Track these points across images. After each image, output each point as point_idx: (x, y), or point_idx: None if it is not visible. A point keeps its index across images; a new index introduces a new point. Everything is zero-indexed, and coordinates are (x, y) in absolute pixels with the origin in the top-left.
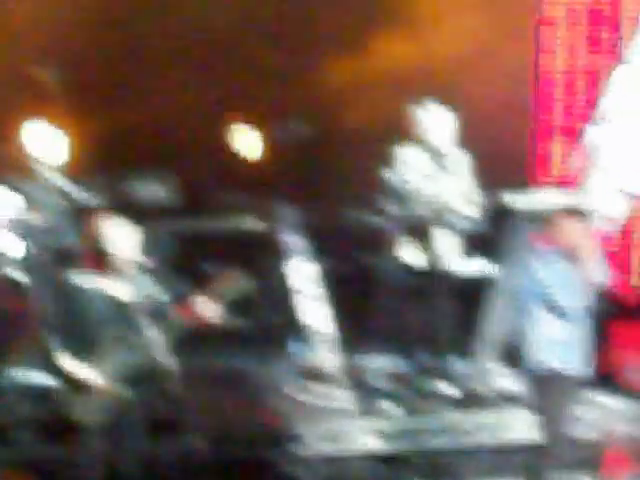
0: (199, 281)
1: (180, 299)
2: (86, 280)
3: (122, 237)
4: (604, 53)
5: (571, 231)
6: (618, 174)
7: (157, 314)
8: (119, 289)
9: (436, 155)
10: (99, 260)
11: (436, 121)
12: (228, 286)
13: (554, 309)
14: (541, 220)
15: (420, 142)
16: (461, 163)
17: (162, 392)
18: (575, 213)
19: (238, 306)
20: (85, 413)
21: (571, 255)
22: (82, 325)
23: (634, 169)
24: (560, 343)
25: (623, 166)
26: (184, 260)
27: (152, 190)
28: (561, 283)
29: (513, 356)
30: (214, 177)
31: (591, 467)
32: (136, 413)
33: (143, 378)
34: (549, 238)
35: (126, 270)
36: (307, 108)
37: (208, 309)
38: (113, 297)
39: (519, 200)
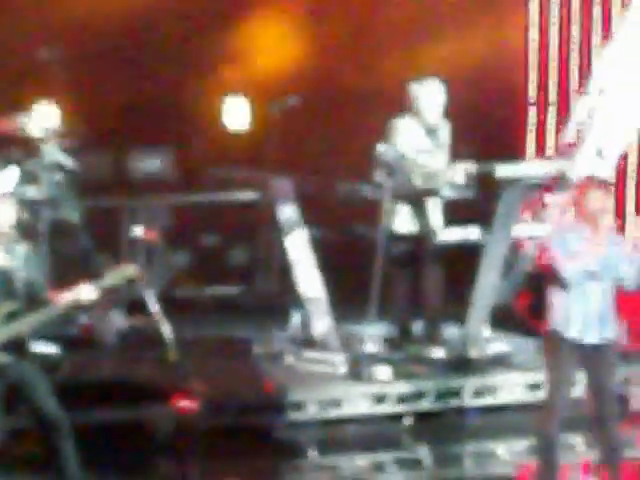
0: (197, 253)
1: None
2: None
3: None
4: (595, 28)
5: (594, 199)
6: (604, 143)
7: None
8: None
9: (428, 127)
10: None
11: (429, 94)
12: (115, 277)
13: (578, 279)
14: (530, 189)
15: (415, 114)
16: (447, 135)
17: (160, 359)
18: (599, 182)
19: (237, 276)
20: None
21: (594, 224)
22: None
23: (619, 138)
24: (584, 313)
25: (609, 135)
26: (182, 232)
27: (150, 164)
28: (583, 252)
29: (502, 320)
30: (210, 150)
31: (581, 428)
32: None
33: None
34: (576, 207)
35: (5, 241)
36: (301, 80)
37: (85, 293)
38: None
39: (509, 169)
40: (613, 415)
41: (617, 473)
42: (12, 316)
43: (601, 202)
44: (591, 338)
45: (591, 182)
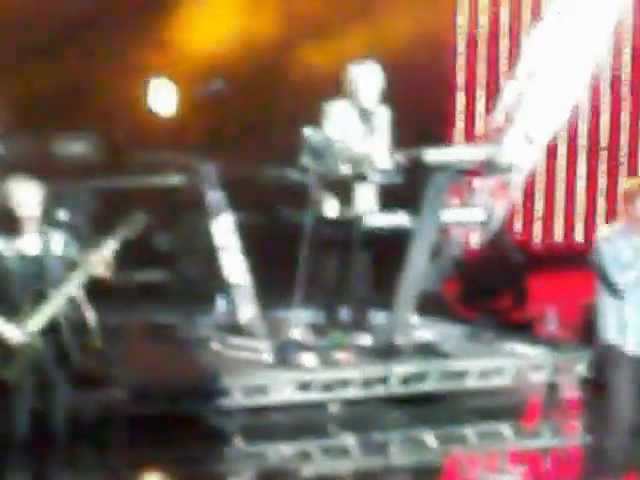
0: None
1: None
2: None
3: (27, 195)
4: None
5: None
6: (532, 127)
7: (68, 267)
8: (30, 246)
9: (363, 111)
10: (8, 220)
11: (365, 78)
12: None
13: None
14: (459, 174)
15: (349, 98)
16: (384, 120)
17: (85, 346)
18: None
19: (162, 261)
20: (12, 371)
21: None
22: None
23: (547, 122)
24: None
25: (537, 119)
26: (106, 217)
27: (74, 148)
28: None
29: (430, 307)
30: (135, 134)
31: (510, 416)
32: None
33: (64, 332)
34: (625, 214)
35: (34, 227)
36: (228, 63)
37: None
38: (26, 254)
39: (437, 155)
40: None
41: None
42: (42, 301)
43: None
44: None
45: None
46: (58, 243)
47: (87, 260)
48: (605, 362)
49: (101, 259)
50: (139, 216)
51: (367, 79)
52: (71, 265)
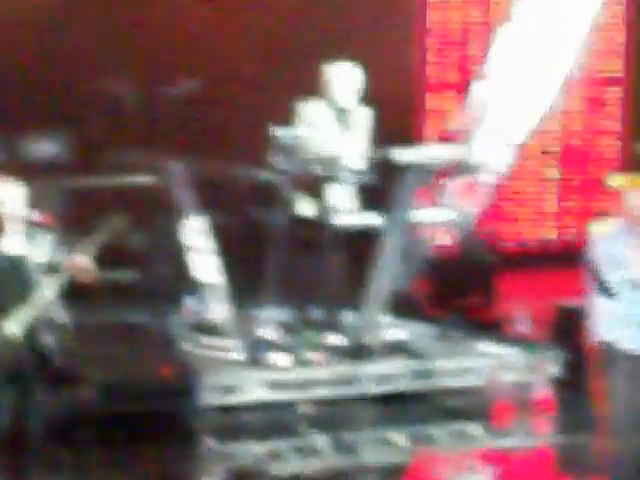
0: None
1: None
2: None
3: (9, 195)
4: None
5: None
6: (502, 127)
7: (48, 268)
8: (12, 246)
9: (338, 111)
10: None
11: (342, 77)
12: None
13: (625, 289)
14: (429, 174)
15: (326, 97)
16: (362, 120)
17: (57, 345)
18: None
19: (133, 261)
20: None
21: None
22: None
23: (518, 122)
24: (633, 323)
25: (507, 119)
26: (77, 216)
27: (44, 147)
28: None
29: (400, 307)
30: (105, 133)
31: (481, 416)
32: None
33: (40, 332)
34: (620, 210)
35: (16, 227)
36: (197, 63)
37: (84, 263)
38: (8, 254)
39: (407, 154)
40: None
41: None
42: (22, 302)
43: None
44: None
45: (633, 182)
46: (40, 244)
47: (67, 262)
48: (601, 360)
49: (81, 262)
50: (119, 219)
51: (343, 79)
52: (52, 266)
